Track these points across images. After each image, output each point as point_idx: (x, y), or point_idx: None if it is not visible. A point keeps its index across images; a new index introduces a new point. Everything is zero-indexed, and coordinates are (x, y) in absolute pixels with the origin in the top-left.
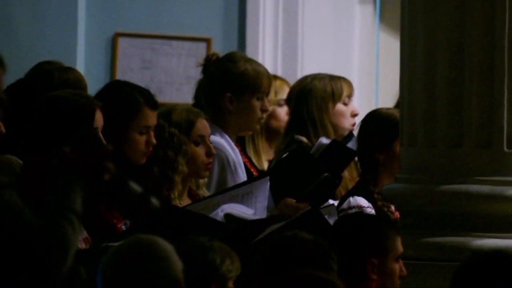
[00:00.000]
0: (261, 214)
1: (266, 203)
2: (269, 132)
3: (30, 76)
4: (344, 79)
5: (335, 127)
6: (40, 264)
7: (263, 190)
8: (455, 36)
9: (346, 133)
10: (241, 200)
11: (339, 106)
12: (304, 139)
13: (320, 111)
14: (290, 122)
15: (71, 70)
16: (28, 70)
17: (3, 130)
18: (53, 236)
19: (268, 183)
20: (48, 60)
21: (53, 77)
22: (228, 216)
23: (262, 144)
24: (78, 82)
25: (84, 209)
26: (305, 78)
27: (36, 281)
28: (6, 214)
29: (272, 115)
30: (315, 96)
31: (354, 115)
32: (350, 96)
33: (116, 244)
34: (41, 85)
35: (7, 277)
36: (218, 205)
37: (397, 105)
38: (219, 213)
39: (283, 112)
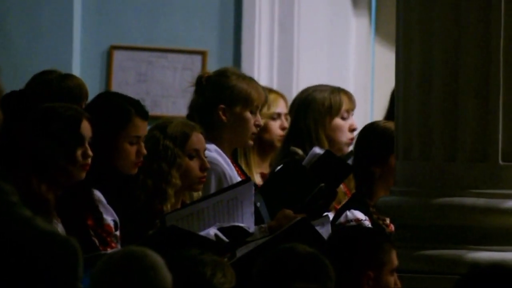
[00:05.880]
0: (249, 220)
1: (252, 209)
2: (261, 146)
3: (29, 86)
4: (345, 92)
5: (332, 141)
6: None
7: (248, 195)
8: (450, 49)
9: (343, 147)
10: (226, 206)
11: (337, 120)
12: (300, 151)
13: (316, 125)
14: (289, 133)
15: (71, 77)
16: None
17: None
18: (66, 243)
19: (253, 187)
20: (49, 70)
21: (51, 86)
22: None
23: (254, 158)
24: (79, 89)
25: (72, 223)
26: (306, 90)
27: None
28: (16, 224)
29: (265, 128)
30: (313, 109)
31: (352, 129)
32: (349, 110)
33: (107, 252)
34: (40, 94)
35: None
36: (202, 212)
37: (387, 116)
38: (210, 233)
39: (275, 126)
